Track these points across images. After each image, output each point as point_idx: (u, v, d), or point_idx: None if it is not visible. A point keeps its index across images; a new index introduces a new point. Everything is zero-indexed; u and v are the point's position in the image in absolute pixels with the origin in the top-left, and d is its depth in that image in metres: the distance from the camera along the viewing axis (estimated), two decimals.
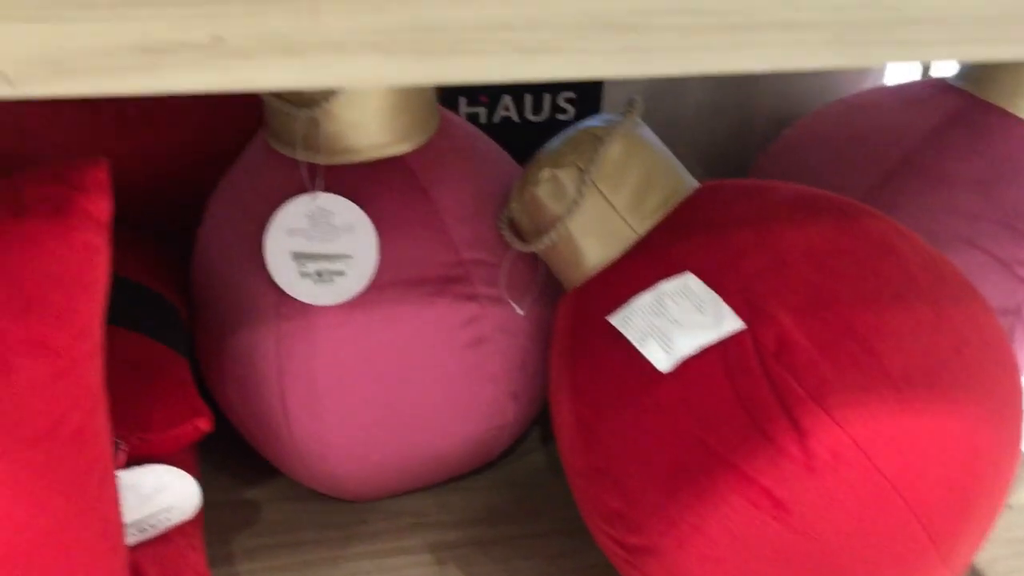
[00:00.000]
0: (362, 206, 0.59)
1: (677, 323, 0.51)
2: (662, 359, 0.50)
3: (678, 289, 0.52)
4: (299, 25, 0.30)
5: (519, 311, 0.63)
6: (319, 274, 0.59)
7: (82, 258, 0.40)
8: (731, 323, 0.50)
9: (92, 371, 0.41)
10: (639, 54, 0.33)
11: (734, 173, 0.88)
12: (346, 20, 0.31)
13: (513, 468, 0.76)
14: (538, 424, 0.79)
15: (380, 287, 0.59)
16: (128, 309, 0.58)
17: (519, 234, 0.61)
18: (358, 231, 0.59)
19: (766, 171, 0.76)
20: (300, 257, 0.59)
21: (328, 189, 0.59)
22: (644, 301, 0.52)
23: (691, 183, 0.59)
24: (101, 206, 0.40)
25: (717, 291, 0.51)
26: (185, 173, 0.71)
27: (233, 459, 0.72)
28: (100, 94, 0.30)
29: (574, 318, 0.58)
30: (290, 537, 0.69)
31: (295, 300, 0.59)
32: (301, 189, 0.59)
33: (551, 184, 0.57)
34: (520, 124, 0.83)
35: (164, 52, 0.30)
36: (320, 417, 0.61)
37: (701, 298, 0.51)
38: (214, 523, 0.66)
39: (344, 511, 0.71)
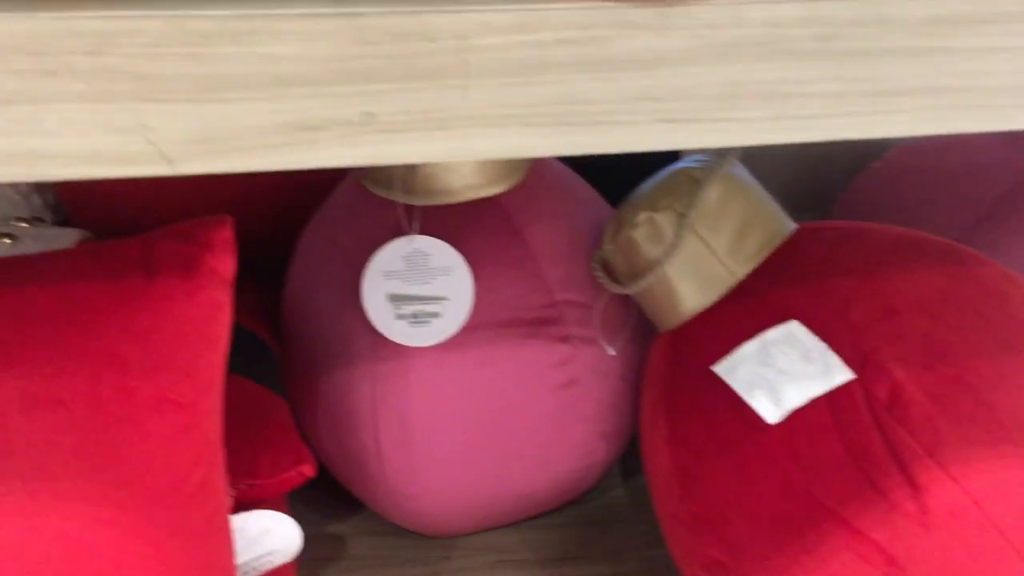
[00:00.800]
0: (457, 247, 0.59)
1: (784, 373, 0.50)
2: (770, 410, 0.50)
3: (784, 338, 0.51)
4: (448, 101, 0.30)
5: (611, 352, 0.62)
6: (415, 316, 0.59)
7: (207, 315, 0.40)
8: (840, 374, 0.49)
9: (214, 424, 0.42)
10: (786, 122, 0.33)
11: (815, 208, 0.87)
12: (494, 95, 0.31)
13: (596, 504, 0.75)
14: (619, 459, 0.79)
15: (474, 328, 0.59)
16: (231, 351, 0.58)
17: (612, 275, 0.61)
18: (454, 273, 0.59)
19: (853, 207, 0.75)
20: (396, 299, 0.59)
21: (423, 231, 0.59)
22: (749, 350, 0.52)
23: (789, 225, 0.59)
24: (226, 263, 0.41)
25: (824, 340, 0.51)
26: (273, 211, 0.71)
27: (319, 493, 0.73)
28: (252, 170, 0.30)
29: (670, 362, 0.57)
30: (375, 572, 0.69)
31: (391, 341, 0.59)
32: (397, 231, 0.59)
33: (648, 227, 0.57)
34: (611, 164, 0.82)
35: (317, 129, 0.30)
36: (413, 457, 0.61)
37: (808, 347, 0.51)
38: (300, 556, 0.66)
39: (429, 547, 0.71)
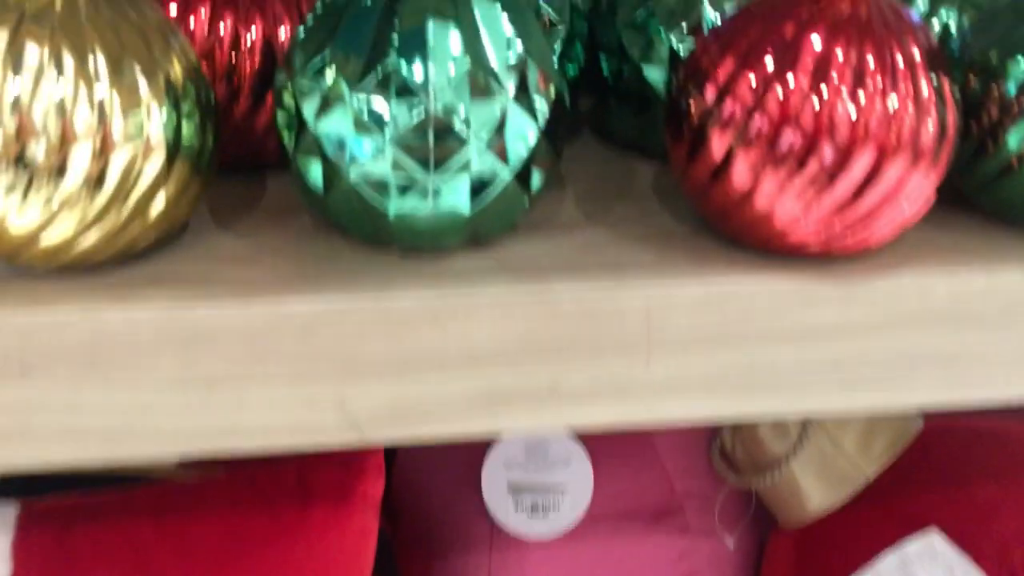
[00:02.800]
0: (576, 436, 0.58)
1: None
2: None
3: (924, 551, 0.50)
4: (632, 372, 0.31)
5: (730, 545, 0.61)
6: (533, 507, 0.58)
7: (357, 542, 0.40)
8: None
9: None
10: (966, 389, 0.32)
11: None
12: (676, 365, 0.31)
13: None
14: None
15: (593, 519, 0.58)
16: None
17: (734, 466, 0.60)
18: (574, 464, 0.58)
19: None
20: (516, 490, 0.58)
21: None
22: (888, 564, 0.50)
23: (916, 422, 0.57)
24: (376, 487, 0.41)
25: (967, 553, 0.49)
26: None
27: None
28: (438, 439, 0.31)
29: (795, 565, 0.56)
30: None
31: (508, 531, 0.58)
32: None
33: (774, 422, 0.56)
34: None
35: (504, 400, 0.30)
36: None
37: (951, 563, 0.49)
38: None
39: None
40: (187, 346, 0.28)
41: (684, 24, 0.37)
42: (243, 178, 0.37)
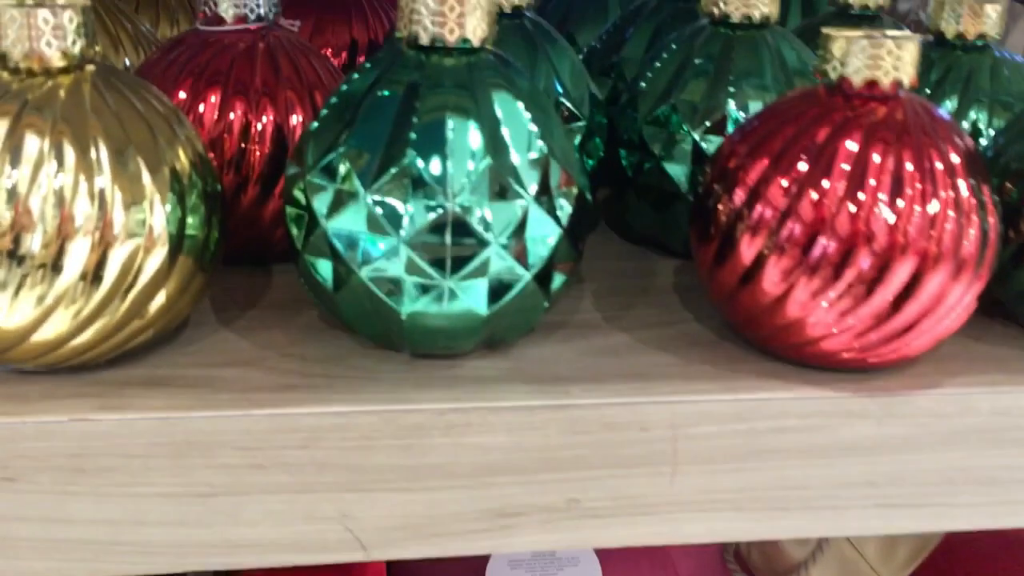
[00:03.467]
0: None
1: None
2: None
3: None
4: (656, 488, 0.29)
5: None
6: None
7: None
8: None
9: None
10: (1009, 507, 0.30)
11: None
12: (703, 481, 0.29)
13: None
14: None
15: None
16: None
17: (748, 570, 0.58)
18: (583, 564, 0.56)
19: None
20: None
21: None
22: None
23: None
24: None
25: None
26: None
27: None
28: (447, 555, 0.29)
29: None
30: None
31: None
32: None
33: None
34: None
35: (518, 515, 0.28)
36: None
37: None
38: None
39: None
40: (182, 454, 0.26)
41: (707, 121, 0.36)
42: (247, 270, 0.35)
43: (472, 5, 0.28)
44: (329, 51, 0.50)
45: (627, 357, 0.31)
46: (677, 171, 0.37)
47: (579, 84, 0.38)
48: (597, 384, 0.29)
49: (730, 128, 0.36)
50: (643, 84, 0.38)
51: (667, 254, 0.39)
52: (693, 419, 0.28)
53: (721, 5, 0.37)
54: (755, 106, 0.36)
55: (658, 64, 0.38)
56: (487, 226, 0.27)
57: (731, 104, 0.36)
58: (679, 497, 0.29)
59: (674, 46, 0.38)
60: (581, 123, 0.37)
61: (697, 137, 0.36)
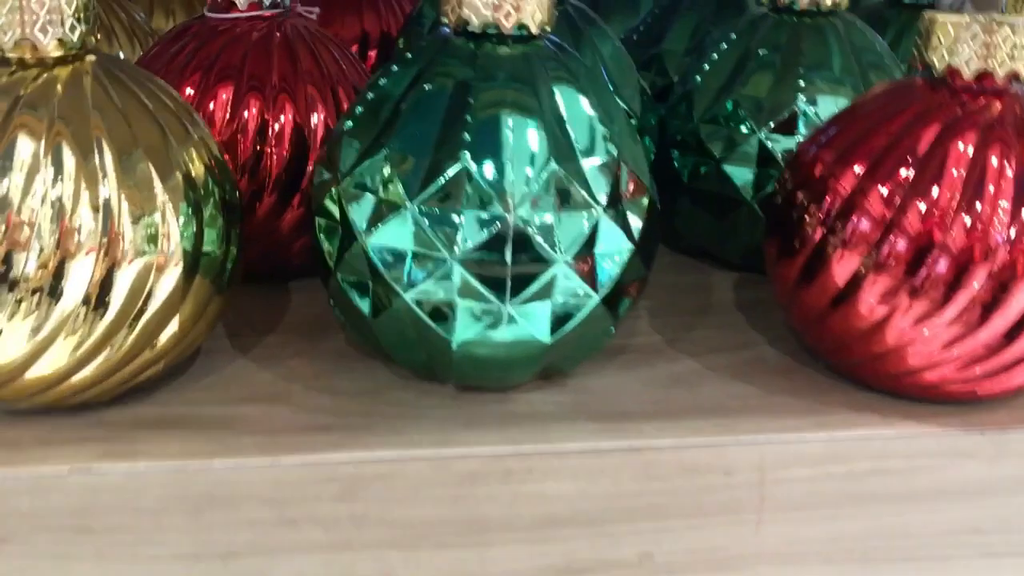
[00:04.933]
0: None
1: None
2: None
3: None
4: (739, 538, 0.25)
5: None
6: None
7: None
8: None
9: None
10: None
11: None
12: (792, 530, 0.26)
13: None
14: None
15: None
16: None
17: None
18: None
19: None
20: None
21: None
22: None
23: None
24: None
25: None
26: None
27: None
28: None
29: None
30: None
31: None
32: None
33: None
34: None
35: (585, 572, 0.25)
36: None
37: None
38: None
39: None
40: (200, 509, 0.23)
41: (774, 119, 0.32)
42: (263, 288, 0.32)
43: None
44: None
45: (700, 388, 0.27)
46: (739, 174, 0.33)
47: (628, 78, 0.35)
48: (672, 421, 0.25)
49: (800, 126, 0.32)
50: (698, 79, 0.34)
51: (721, 266, 0.36)
52: (783, 461, 0.25)
53: None
54: (826, 101, 0.32)
55: (715, 56, 0.34)
56: (551, 242, 0.23)
57: (801, 99, 0.32)
58: (764, 548, 0.26)
59: (733, 36, 0.34)
60: (632, 121, 0.34)
61: (763, 137, 0.32)
